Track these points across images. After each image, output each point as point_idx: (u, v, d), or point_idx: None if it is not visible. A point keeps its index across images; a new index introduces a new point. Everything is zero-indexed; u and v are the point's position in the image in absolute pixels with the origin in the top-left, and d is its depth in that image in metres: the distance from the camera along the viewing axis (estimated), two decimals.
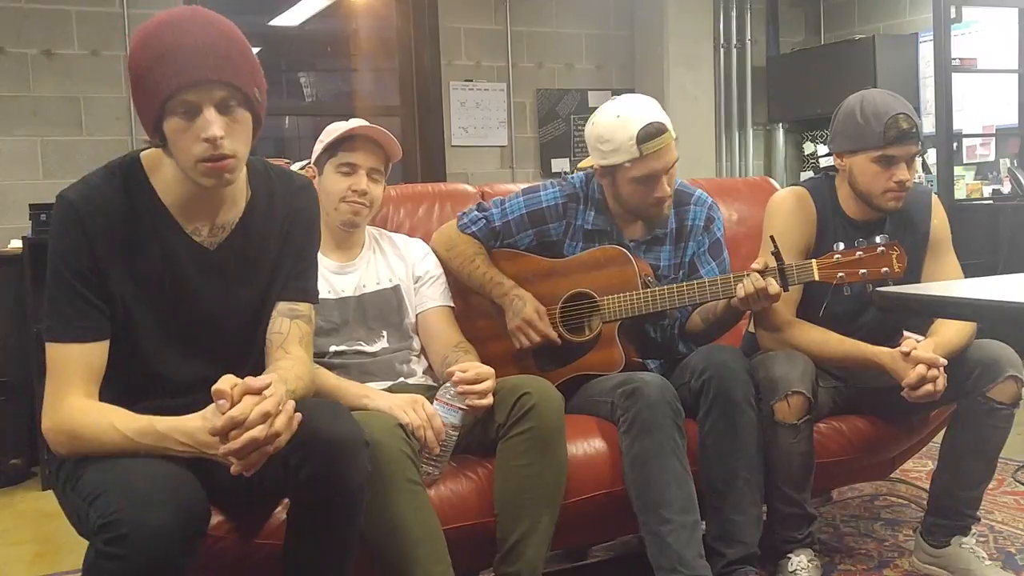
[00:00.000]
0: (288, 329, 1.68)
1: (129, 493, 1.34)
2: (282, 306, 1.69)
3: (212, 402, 1.42)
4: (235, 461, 1.40)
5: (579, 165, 2.46)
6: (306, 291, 1.73)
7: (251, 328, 1.69)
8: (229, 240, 1.65)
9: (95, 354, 1.54)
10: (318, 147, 2.20)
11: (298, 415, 1.44)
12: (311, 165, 2.22)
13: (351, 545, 1.63)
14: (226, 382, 1.41)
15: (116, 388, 1.56)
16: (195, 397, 1.56)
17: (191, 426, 1.43)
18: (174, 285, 1.60)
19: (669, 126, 2.21)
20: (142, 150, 1.62)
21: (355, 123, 2.19)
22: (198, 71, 1.44)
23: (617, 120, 2.21)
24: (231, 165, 1.51)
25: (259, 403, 1.39)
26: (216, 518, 1.70)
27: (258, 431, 1.38)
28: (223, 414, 1.39)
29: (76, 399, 1.51)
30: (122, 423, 1.47)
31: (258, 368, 1.64)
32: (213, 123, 1.46)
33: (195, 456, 1.45)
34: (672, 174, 2.27)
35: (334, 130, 2.19)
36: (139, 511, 1.31)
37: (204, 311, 1.64)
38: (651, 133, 2.18)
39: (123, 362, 1.58)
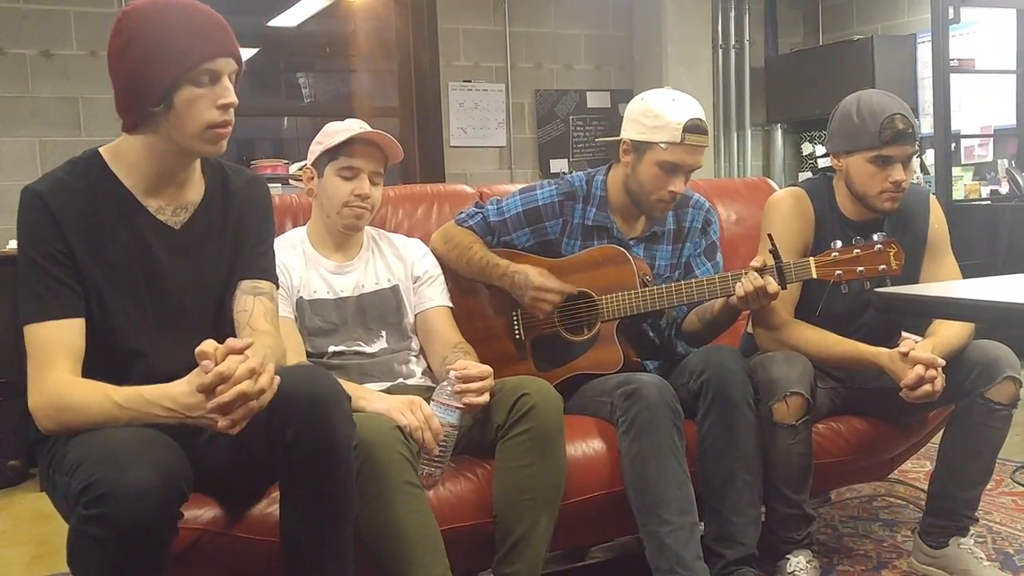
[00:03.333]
0: (252, 306, 1.73)
1: (107, 456, 1.37)
2: (245, 284, 1.75)
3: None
4: (221, 417, 1.42)
5: (602, 139, 2.49)
6: (266, 269, 1.79)
7: (218, 310, 1.74)
8: (191, 221, 1.71)
9: (73, 332, 1.57)
10: (316, 148, 2.19)
11: (278, 378, 1.48)
12: (309, 166, 2.22)
13: (346, 504, 1.64)
14: (208, 344, 1.45)
15: (100, 377, 1.57)
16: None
17: (176, 391, 1.46)
18: (144, 265, 1.65)
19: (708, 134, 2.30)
20: (99, 147, 1.69)
21: (352, 123, 2.18)
22: (225, 44, 1.60)
23: (672, 103, 2.26)
24: (229, 133, 1.63)
25: (243, 361, 1.43)
26: (208, 513, 1.71)
27: (245, 385, 1.42)
28: (208, 372, 1.42)
29: (62, 374, 1.54)
30: (111, 390, 1.50)
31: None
32: (231, 90, 1.60)
33: (179, 422, 1.47)
34: (689, 177, 2.31)
35: (332, 132, 2.18)
36: (117, 470, 1.34)
37: (173, 291, 1.68)
38: (698, 127, 2.24)
39: (100, 348, 1.60)
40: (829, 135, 2.31)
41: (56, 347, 1.56)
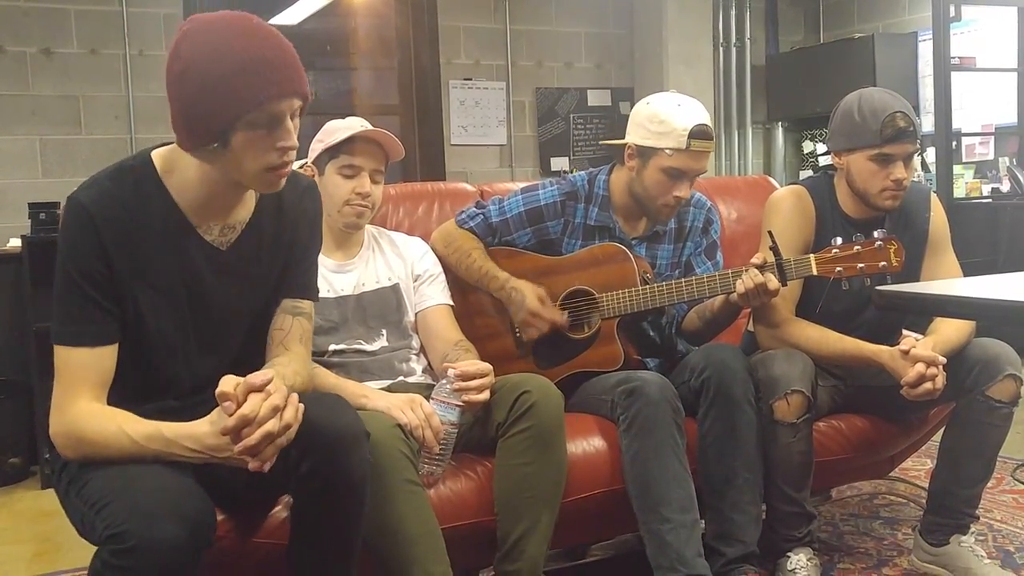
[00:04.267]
0: (290, 326, 1.69)
1: (136, 505, 1.34)
2: (286, 303, 1.71)
3: (216, 402, 1.43)
4: (250, 459, 1.41)
5: (606, 142, 2.45)
6: (308, 288, 1.75)
7: (260, 328, 1.70)
8: (239, 240, 1.65)
9: (104, 358, 1.54)
10: (316, 146, 2.19)
11: (302, 405, 1.46)
12: (310, 164, 2.21)
13: (355, 539, 1.63)
14: (228, 383, 1.42)
15: (124, 389, 1.56)
16: (202, 397, 1.56)
17: (199, 432, 1.44)
18: (188, 286, 1.60)
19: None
20: (152, 149, 1.61)
21: (353, 121, 2.18)
22: (289, 83, 1.47)
23: (678, 108, 2.25)
24: (289, 172, 1.56)
25: (266, 399, 1.41)
26: (217, 516, 1.70)
27: (271, 424, 1.40)
28: (230, 415, 1.39)
29: (84, 403, 1.51)
30: (130, 427, 1.47)
31: (263, 367, 1.65)
32: (293, 134, 1.50)
33: (203, 461, 1.45)
34: (694, 182, 2.30)
35: (333, 129, 2.18)
36: (146, 524, 1.31)
37: (216, 312, 1.64)
38: (704, 133, 2.22)
39: (133, 364, 1.57)
40: (830, 133, 2.30)
41: (84, 375, 1.52)
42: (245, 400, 1.40)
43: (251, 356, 1.67)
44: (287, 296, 1.71)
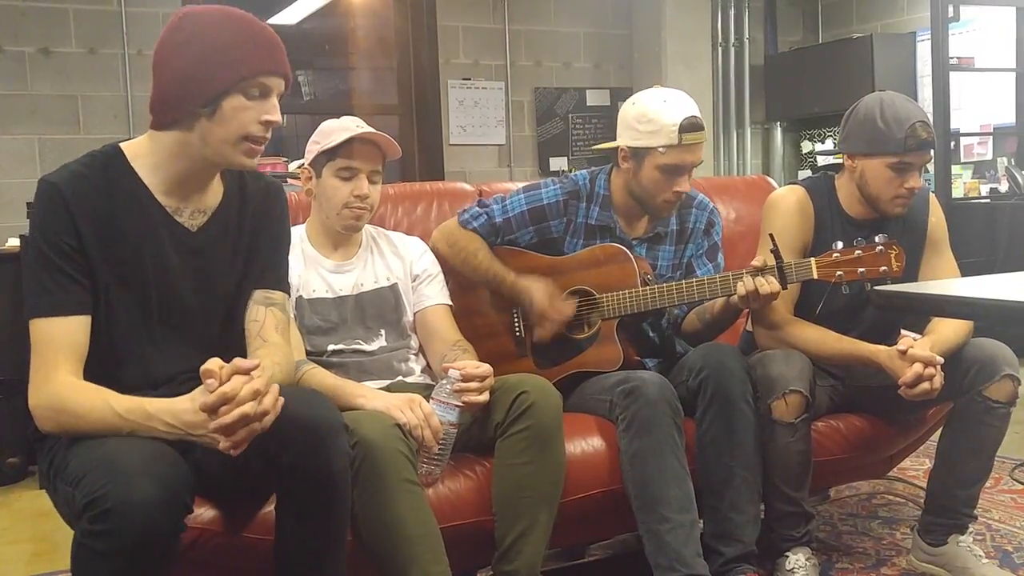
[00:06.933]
0: (264, 317, 1.72)
1: (112, 470, 1.36)
2: (258, 294, 1.74)
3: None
4: (223, 438, 1.42)
5: (599, 146, 2.45)
6: (280, 280, 1.78)
7: (226, 317, 1.72)
8: (208, 225, 1.70)
9: (78, 329, 1.57)
10: (313, 148, 2.18)
11: (282, 399, 1.48)
12: (307, 166, 2.21)
13: (340, 532, 1.64)
14: (214, 363, 1.44)
15: (96, 375, 1.57)
16: (176, 390, 1.58)
17: (179, 407, 1.46)
18: (156, 265, 1.64)
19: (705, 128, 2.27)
20: (120, 142, 1.67)
21: (348, 121, 2.17)
22: (280, 63, 1.62)
23: (664, 104, 2.24)
24: (262, 151, 1.66)
25: (248, 381, 1.42)
26: (208, 513, 1.71)
27: (248, 407, 1.41)
28: (212, 392, 1.41)
29: (64, 375, 1.54)
30: (114, 400, 1.49)
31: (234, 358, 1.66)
32: (277, 109, 1.62)
33: (180, 438, 1.46)
34: (692, 174, 2.30)
35: (329, 131, 2.17)
36: (122, 485, 1.33)
37: (183, 294, 1.67)
38: (694, 125, 2.22)
39: (102, 347, 1.60)
40: (846, 134, 2.28)
41: (61, 346, 1.55)
42: (228, 380, 1.42)
43: (223, 351, 1.68)
44: (258, 287, 1.74)
